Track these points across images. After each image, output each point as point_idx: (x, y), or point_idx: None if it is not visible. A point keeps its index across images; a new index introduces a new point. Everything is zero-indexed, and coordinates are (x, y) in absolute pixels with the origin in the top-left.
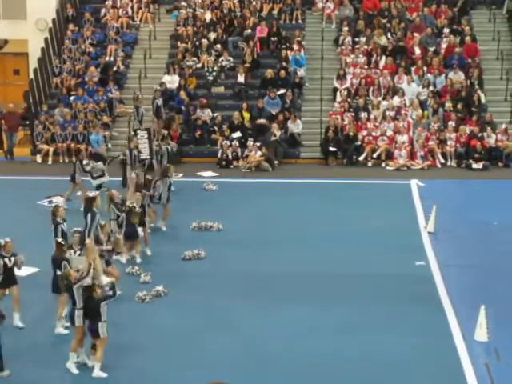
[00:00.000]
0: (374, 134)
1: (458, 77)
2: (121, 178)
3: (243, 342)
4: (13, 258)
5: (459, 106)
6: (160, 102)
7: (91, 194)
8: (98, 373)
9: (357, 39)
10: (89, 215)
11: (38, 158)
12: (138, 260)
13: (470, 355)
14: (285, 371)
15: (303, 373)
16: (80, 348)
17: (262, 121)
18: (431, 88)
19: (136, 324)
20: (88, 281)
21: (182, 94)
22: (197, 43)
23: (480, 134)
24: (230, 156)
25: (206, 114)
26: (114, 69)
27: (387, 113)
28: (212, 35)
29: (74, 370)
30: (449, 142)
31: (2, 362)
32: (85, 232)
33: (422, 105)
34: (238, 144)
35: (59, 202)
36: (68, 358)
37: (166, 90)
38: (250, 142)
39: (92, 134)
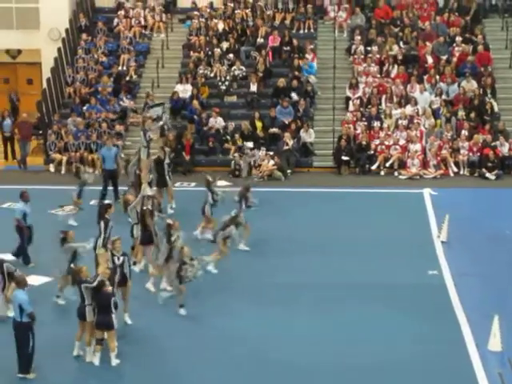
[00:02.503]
0: (386, 142)
1: (470, 85)
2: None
3: (254, 351)
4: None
5: (472, 115)
6: (166, 117)
7: (106, 201)
8: (116, 361)
9: (369, 48)
10: (102, 223)
11: (51, 168)
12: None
13: (484, 365)
14: (299, 381)
15: (317, 382)
16: (78, 342)
17: (274, 130)
18: (444, 97)
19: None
20: (94, 284)
21: (195, 103)
22: (209, 53)
23: (493, 143)
24: (242, 166)
25: (218, 123)
26: (127, 78)
27: (400, 122)
28: (224, 45)
29: (96, 361)
30: (462, 151)
31: (30, 365)
32: (97, 239)
33: (435, 113)
34: (250, 152)
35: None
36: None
37: (179, 100)
38: (263, 152)
39: (104, 148)
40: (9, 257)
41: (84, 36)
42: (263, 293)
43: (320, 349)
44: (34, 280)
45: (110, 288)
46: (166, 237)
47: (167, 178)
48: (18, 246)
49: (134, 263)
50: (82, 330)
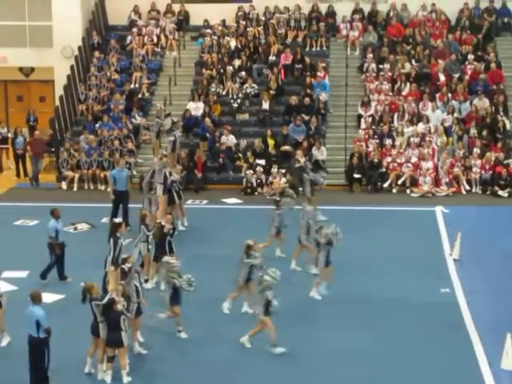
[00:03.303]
0: (398, 160)
1: (482, 103)
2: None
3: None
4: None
5: (484, 133)
6: (177, 134)
7: (116, 219)
8: (127, 379)
9: (381, 66)
10: (111, 241)
11: (64, 185)
12: (163, 287)
13: (497, 383)
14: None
15: None
16: (90, 359)
17: (286, 147)
18: (456, 114)
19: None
20: (103, 302)
21: (207, 121)
22: (221, 70)
23: (505, 161)
24: (254, 183)
25: (230, 141)
26: (139, 96)
27: (412, 139)
28: (236, 62)
29: (108, 379)
30: (474, 169)
31: (47, 381)
32: (107, 257)
33: (447, 131)
34: (261, 169)
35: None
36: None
37: (191, 117)
38: (275, 169)
39: (115, 170)
40: (22, 274)
41: (97, 54)
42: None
43: (331, 364)
44: (46, 297)
45: (119, 306)
46: (245, 257)
47: (174, 194)
48: (47, 266)
49: (146, 280)
50: (96, 346)
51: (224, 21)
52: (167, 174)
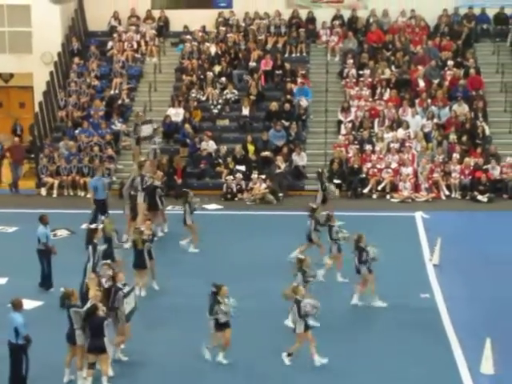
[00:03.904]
0: (378, 166)
1: (462, 109)
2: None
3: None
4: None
5: (463, 138)
6: (157, 141)
7: (93, 226)
8: None
9: (361, 72)
10: (90, 247)
11: (43, 191)
12: (143, 293)
13: None
14: None
15: None
16: (68, 369)
17: (266, 153)
18: (435, 120)
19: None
20: (84, 309)
21: (187, 126)
22: (201, 76)
23: (484, 166)
24: (234, 189)
25: (211, 147)
26: (119, 102)
27: (392, 145)
28: (217, 68)
29: None
30: (453, 174)
31: None
32: (87, 264)
33: (427, 137)
34: (241, 176)
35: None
36: None
37: (171, 123)
38: (255, 175)
39: (94, 179)
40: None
41: (76, 60)
42: (247, 315)
43: (310, 370)
44: (26, 304)
45: (101, 312)
46: (301, 272)
47: (158, 200)
48: (44, 274)
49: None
50: (72, 354)
51: (204, 27)
52: (147, 180)
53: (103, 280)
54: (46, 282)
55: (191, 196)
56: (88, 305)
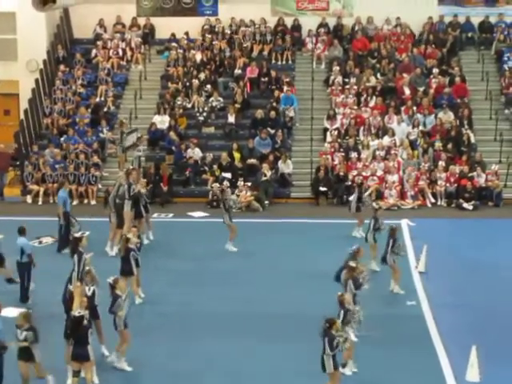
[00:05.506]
0: (364, 173)
1: (447, 117)
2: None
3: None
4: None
5: (449, 146)
6: (141, 148)
7: (77, 234)
8: None
9: (347, 80)
10: (75, 256)
11: (28, 199)
12: (137, 301)
13: None
14: None
15: None
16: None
17: (252, 161)
18: (421, 128)
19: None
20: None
21: (172, 134)
22: (187, 83)
23: (470, 174)
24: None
25: (196, 154)
26: (105, 109)
27: (377, 153)
28: (202, 75)
29: None
30: (439, 182)
31: None
32: (72, 273)
33: (412, 144)
34: (228, 184)
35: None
36: None
37: (157, 131)
38: (241, 182)
39: (62, 191)
40: None
41: (62, 67)
42: (237, 323)
43: (297, 380)
44: (8, 312)
45: (85, 320)
46: (353, 283)
47: (142, 208)
48: (22, 288)
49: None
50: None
51: (187, 33)
52: (134, 188)
53: (86, 288)
54: (24, 295)
55: (226, 194)
56: (75, 313)
